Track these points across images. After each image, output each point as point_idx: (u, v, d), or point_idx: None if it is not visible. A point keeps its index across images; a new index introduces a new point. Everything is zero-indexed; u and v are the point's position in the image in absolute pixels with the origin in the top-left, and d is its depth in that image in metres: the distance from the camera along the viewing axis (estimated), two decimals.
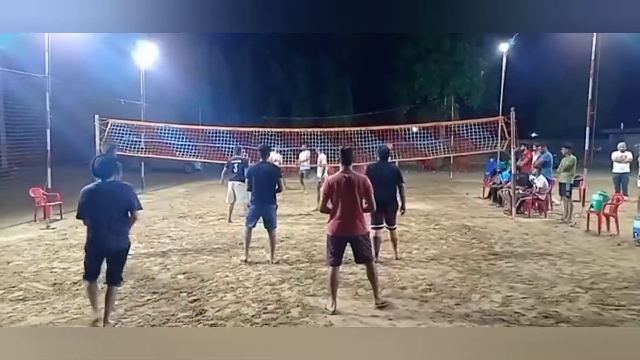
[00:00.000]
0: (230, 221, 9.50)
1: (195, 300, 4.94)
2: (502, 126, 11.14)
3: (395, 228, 6.59)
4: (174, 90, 26.24)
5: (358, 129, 13.63)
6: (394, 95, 33.04)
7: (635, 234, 7.62)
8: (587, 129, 11.65)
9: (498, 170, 13.45)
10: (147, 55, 16.19)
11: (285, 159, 15.02)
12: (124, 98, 15.56)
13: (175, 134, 13.47)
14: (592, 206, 8.98)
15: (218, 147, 13.29)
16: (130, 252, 4.48)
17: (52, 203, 9.84)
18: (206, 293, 5.17)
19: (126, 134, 12.63)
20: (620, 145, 12.91)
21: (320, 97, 36.55)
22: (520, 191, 10.69)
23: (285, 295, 5.10)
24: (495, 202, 12.20)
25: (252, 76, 34.77)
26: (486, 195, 13.68)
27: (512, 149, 10.42)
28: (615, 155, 12.73)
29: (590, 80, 11.40)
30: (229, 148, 12.66)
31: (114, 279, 4.20)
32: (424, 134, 14.17)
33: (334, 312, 4.56)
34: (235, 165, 9.43)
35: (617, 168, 12.64)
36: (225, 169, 9.84)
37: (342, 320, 4.43)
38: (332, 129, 14.97)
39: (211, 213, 10.91)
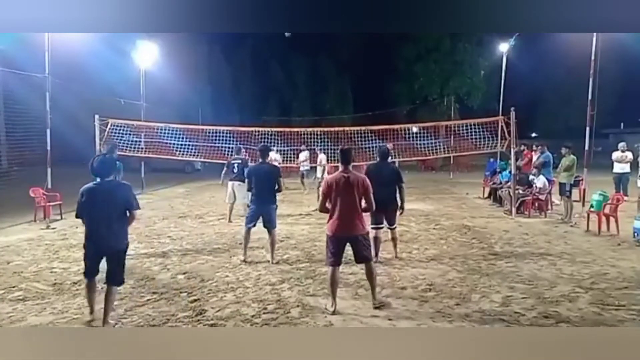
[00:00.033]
0: (230, 221, 9.50)
1: (195, 300, 4.94)
2: (502, 126, 11.14)
3: (395, 227, 6.60)
4: (174, 90, 26.24)
5: (358, 128, 13.64)
6: (394, 95, 33.05)
7: (635, 234, 7.62)
8: (587, 129, 11.65)
9: (498, 170, 13.45)
10: (147, 55, 16.19)
11: (285, 159, 15.02)
12: (124, 98, 15.56)
13: (175, 134, 13.47)
14: (592, 206, 8.98)
15: (218, 146, 13.30)
16: (131, 252, 4.50)
17: (52, 203, 9.84)
18: (206, 293, 5.17)
19: (126, 134, 12.64)
20: (621, 145, 12.91)
21: (320, 97, 36.57)
22: (520, 191, 10.69)
23: (285, 295, 5.10)
24: (495, 202, 12.19)
25: (252, 76, 34.79)
26: (486, 195, 13.68)
27: (512, 149, 10.42)
28: (615, 155, 12.73)
29: (590, 80, 11.40)
30: (229, 148, 12.67)
31: (114, 278, 4.20)
32: (424, 134, 14.16)
33: (334, 312, 4.56)
34: (236, 165, 9.43)
35: (618, 168, 12.64)
36: (225, 169, 9.84)
37: (342, 320, 4.43)
38: (332, 129, 14.98)
39: (211, 213, 10.91)
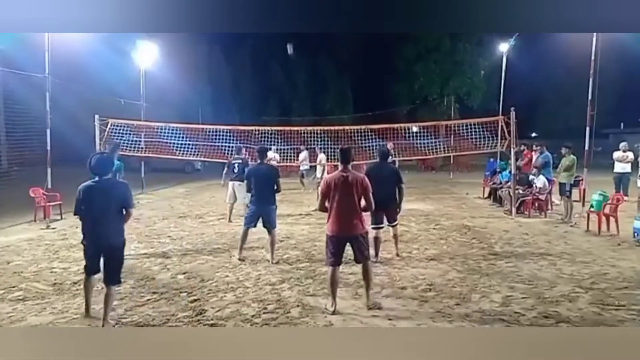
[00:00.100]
0: (230, 221, 9.50)
1: (195, 300, 4.94)
2: (502, 126, 11.14)
3: (396, 224, 6.62)
4: (174, 90, 26.25)
5: (358, 127, 13.64)
6: (394, 95, 33.02)
7: (635, 234, 7.62)
8: (587, 129, 11.65)
9: (498, 170, 13.44)
10: (147, 55, 16.19)
11: (285, 158, 15.02)
12: (124, 98, 15.56)
13: (176, 134, 13.48)
14: (592, 206, 8.98)
15: (218, 146, 13.30)
16: (131, 252, 4.50)
17: (52, 203, 9.84)
18: (206, 293, 5.17)
19: (126, 134, 12.64)
20: (623, 145, 12.89)
21: (320, 97, 36.56)
22: (520, 191, 10.69)
23: (285, 295, 5.10)
24: (495, 202, 12.19)
25: (252, 76, 34.78)
26: (486, 195, 13.68)
27: (512, 149, 10.42)
28: (617, 154, 12.71)
29: (590, 80, 11.40)
30: (229, 147, 12.67)
31: (111, 278, 4.21)
32: (424, 134, 14.18)
33: (334, 312, 4.56)
34: (236, 165, 9.43)
35: (619, 168, 12.63)
36: (226, 169, 9.84)
37: (342, 320, 4.43)
38: (332, 128, 14.98)
39: (211, 213, 10.91)
